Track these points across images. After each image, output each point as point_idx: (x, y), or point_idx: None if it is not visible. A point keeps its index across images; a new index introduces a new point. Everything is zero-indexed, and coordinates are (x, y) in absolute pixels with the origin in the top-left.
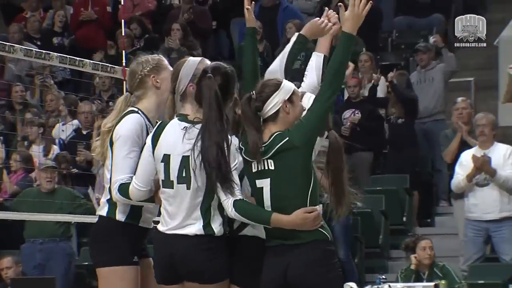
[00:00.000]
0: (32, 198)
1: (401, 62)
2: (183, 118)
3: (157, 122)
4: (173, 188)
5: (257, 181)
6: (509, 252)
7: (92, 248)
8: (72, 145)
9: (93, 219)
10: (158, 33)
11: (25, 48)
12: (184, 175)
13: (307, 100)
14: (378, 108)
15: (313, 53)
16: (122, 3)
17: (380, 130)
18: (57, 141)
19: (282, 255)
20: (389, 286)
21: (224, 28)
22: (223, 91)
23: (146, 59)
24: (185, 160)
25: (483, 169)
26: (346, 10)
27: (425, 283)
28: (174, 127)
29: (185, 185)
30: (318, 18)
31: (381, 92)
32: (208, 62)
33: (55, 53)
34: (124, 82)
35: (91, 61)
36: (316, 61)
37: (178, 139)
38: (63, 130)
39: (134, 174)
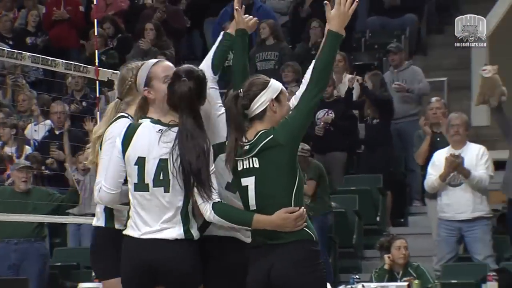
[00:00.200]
0: (6, 198)
1: (375, 62)
2: (156, 121)
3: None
4: (148, 191)
5: (242, 179)
6: (481, 251)
7: (95, 260)
8: (45, 146)
9: (66, 219)
10: (131, 32)
11: None
12: (161, 178)
13: (296, 101)
14: (355, 110)
15: (314, 60)
16: (95, 2)
17: (354, 130)
18: (32, 141)
19: (266, 255)
20: (363, 285)
21: (198, 27)
22: (197, 94)
23: (136, 65)
24: (162, 163)
25: (457, 169)
26: (332, 9)
27: (398, 283)
28: (148, 129)
29: (163, 188)
30: (246, 15)
31: (356, 95)
32: (166, 63)
33: (27, 53)
34: (97, 82)
35: (64, 61)
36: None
37: (154, 142)
38: (36, 130)
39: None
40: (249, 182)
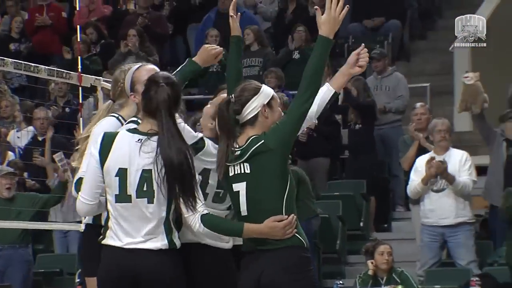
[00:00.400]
0: None
1: None
2: (133, 130)
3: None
4: (130, 202)
5: (233, 185)
6: (464, 257)
7: (81, 258)
8: (29, 152)
9: (50, 225)
10: (114, 38)
11: None
12: (145, 189)
13: None
14: (341, 115)
15: (326, 84)
16: (78, 8)
17: (337, 135)
18: (17, 149)
19: (256, 261)
20: None
21: (181, 33)
22: (174, 100)
23: (129, 67)
24: (145, 173)
25: (442, 175)
26: (322, 14)
27: None
28: (127, 139)
29: (146, 199)
30: (209, 45)
31: (340, 100)
32: (149, 66)
33: (10, 59)
34: (80, 88)
35: (46, 67)
36: (324, 94)
37: (134, 152)
38: (19, 137)
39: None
40: (240, 187)
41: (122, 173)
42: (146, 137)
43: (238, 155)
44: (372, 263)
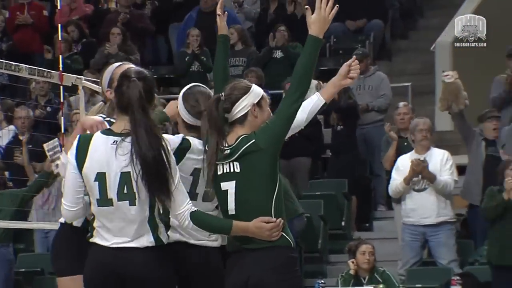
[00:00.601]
0: None
1: (339, 67)
2: (108, 131)
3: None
4: (112, 206)
5: (222, 183)
6: (445, 256)
7: (52, 256)
8: (9, 151)
9: (31, 225)
10: (95, 37)
11: None
12: (125, 191)
13: None
14: (323, 115)
15: (316, 93)
16: (59, 7)
17: (318, 135)
18: None
19: (243, 260)
20: None
21: (162, 33)
22: (147, 95)
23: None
24: (124, 176)
25: (423, 174)
26: (312, 14)
27: None
28: (102, 142)
29: (128, 201)
30: (175, 101)
31: None
32: (129, 66)
33: None
34: (61, 87)
35: (27, 66)
36: (314, 104)
37: (111, 155)
38: (0, 136)
39: None
40: (229, 186)
41: (101, 178)
42: (120, 138)
43: (228, 154)
44: (353, 262)
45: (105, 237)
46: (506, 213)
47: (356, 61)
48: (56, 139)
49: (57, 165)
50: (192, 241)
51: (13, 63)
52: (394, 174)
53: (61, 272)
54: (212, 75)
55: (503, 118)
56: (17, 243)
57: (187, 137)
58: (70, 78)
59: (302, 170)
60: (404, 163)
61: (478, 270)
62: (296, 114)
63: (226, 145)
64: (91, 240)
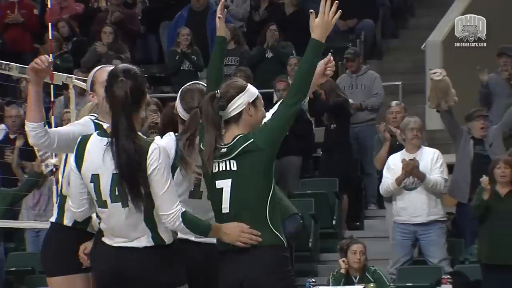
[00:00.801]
0: None
1: None
2: (102, 133)
3: None
4: (107, 208)
5: (217, 181)
6: (436, 254)
7: (42, 256)
8: (2, 150)
9: (22, 224)
10: (85, 36)
11: None
12: (117, 193)
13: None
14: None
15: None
16: (49, 6)
17: (309, 134)
18: None
19: (237, 260)
20: None
21: (153, 31)
22: (136, 93)
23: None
24: (115, 177)
25: (413, 173)
26: (316, 18)
27: (354, 287)
28: (97, 143)
29: (120, 203)
30: None
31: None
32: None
33: None
34: (52, 86)
35: (18, 65)
36: None
37: (105, 157)
38: None
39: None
40: (224, 184)
41: (95, 179)
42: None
43: (224, 152)
44: (344, 261)
45: (109, 236)
46: (492, 212)
47: (332, 58)
48: None
49: (47, 165)
50: (193, 238)
51: (4, 62)
52: (385, 173)
53: (51, 272)
54: (206, 75)
55: (490, 117)
56: (7, 242)
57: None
58: (60, 77)
59: (292, 169)
60: (395, 162)
61: (468, 269)
62: (295, 116)
63: (222, 144)
64: (102, 239)
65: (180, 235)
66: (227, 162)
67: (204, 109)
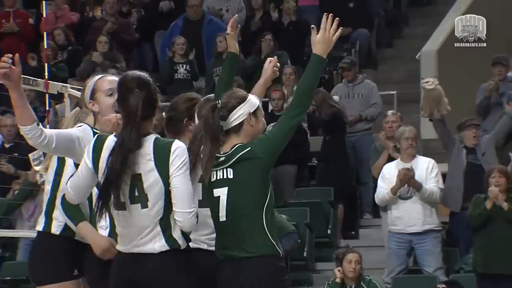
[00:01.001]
0: None
1: (325, 76)
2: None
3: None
4: (126, 209)
5: (214, 190)
6: (431, 264)
7: (30, 265)
8: None
9: (16, 233)
10: (81, 45)
11: None
12: (137, 194)
13: None
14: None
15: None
16: (45, 15)
17: (304, 143)
18: None
19: (234, 269)
20: None
21: (148, 40)
22: (151, 101)
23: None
24: (134, 179)
25: (409, 182)
26: (317, 34)
27: None
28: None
29: (140, 204)
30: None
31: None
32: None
33: None
34: (47, 95)
35: (42, 80)
36: None
37: None
38: None
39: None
40: (221, 193)
41: None
42: None
43: (222, 161)
44: (339, 270)
45: (122, 241)
46: (490, 221)
47: (276, 58)
48: (39, 150)
49: (41, 175)
50: (205, 247)
51: (31, 77)
52: (380, 182)
53: (41, 281)
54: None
55: (486, 127)
56: (2, 251)
57: None
58: (56, 86)
59: (288, 178)
60: (390, 171)
61: (463, 278)
62: (296, 128)
63: (221, 153)
64: (116, 247)
65: (192, 245)
66: (224, 171)
67: (205, 119)
